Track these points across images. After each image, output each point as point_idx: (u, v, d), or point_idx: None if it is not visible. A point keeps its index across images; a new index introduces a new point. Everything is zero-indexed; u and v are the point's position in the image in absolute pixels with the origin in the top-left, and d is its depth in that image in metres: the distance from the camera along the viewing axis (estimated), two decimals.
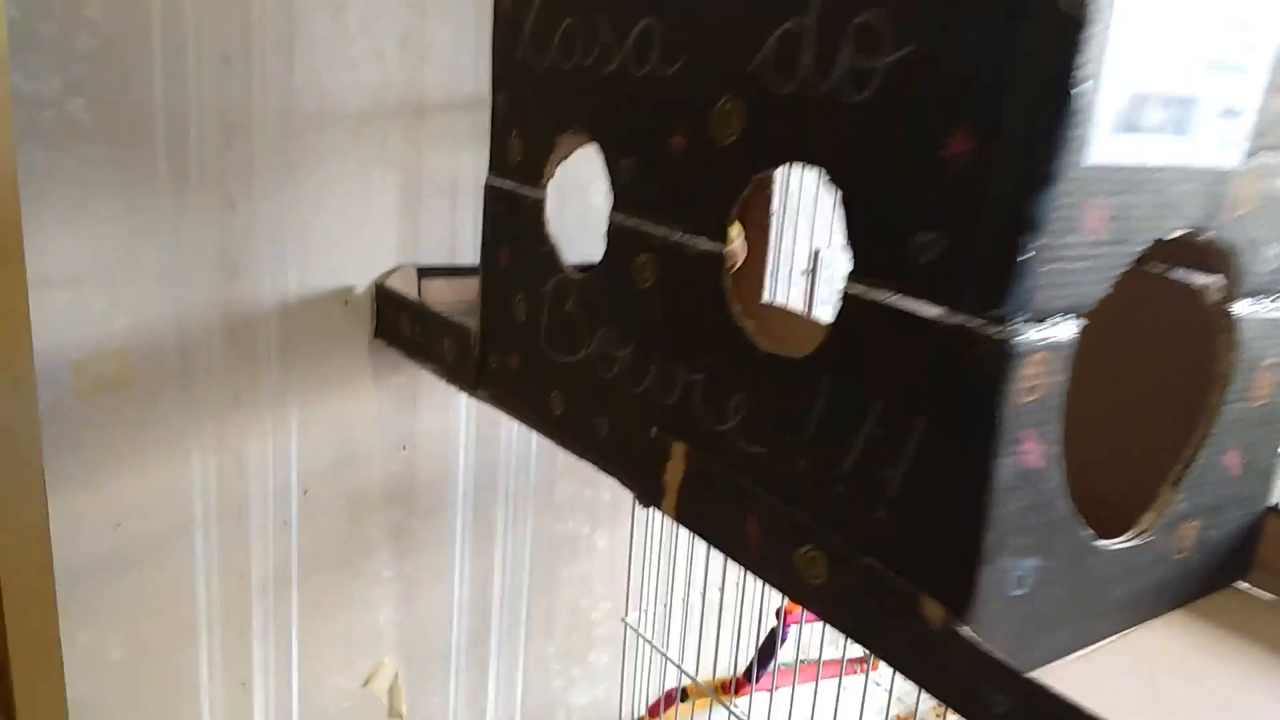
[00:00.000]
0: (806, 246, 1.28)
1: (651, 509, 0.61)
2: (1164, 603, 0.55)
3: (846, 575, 0.49)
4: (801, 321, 0.77)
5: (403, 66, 0.97)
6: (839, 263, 1.28)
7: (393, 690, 1.15)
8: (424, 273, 1.05)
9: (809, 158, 0.49)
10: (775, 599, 1.04)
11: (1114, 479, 0.58)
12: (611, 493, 1.28)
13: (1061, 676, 0.48)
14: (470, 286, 1.07)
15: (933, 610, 0.45)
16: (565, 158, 0.71)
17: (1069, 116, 0.38)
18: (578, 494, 1.26)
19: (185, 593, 0.97)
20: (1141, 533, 0.51)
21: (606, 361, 0.66)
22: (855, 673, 1.13)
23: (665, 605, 1.21)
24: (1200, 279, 0.61)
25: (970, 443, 0.42)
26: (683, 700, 1.14)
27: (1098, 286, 0.43)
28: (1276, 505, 0.59)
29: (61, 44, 0.80)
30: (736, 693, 1.07)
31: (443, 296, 1.05)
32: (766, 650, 1.03)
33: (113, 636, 0.94)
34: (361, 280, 1.01)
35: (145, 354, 0.90)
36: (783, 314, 0.80)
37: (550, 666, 1.31)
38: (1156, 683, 0.49)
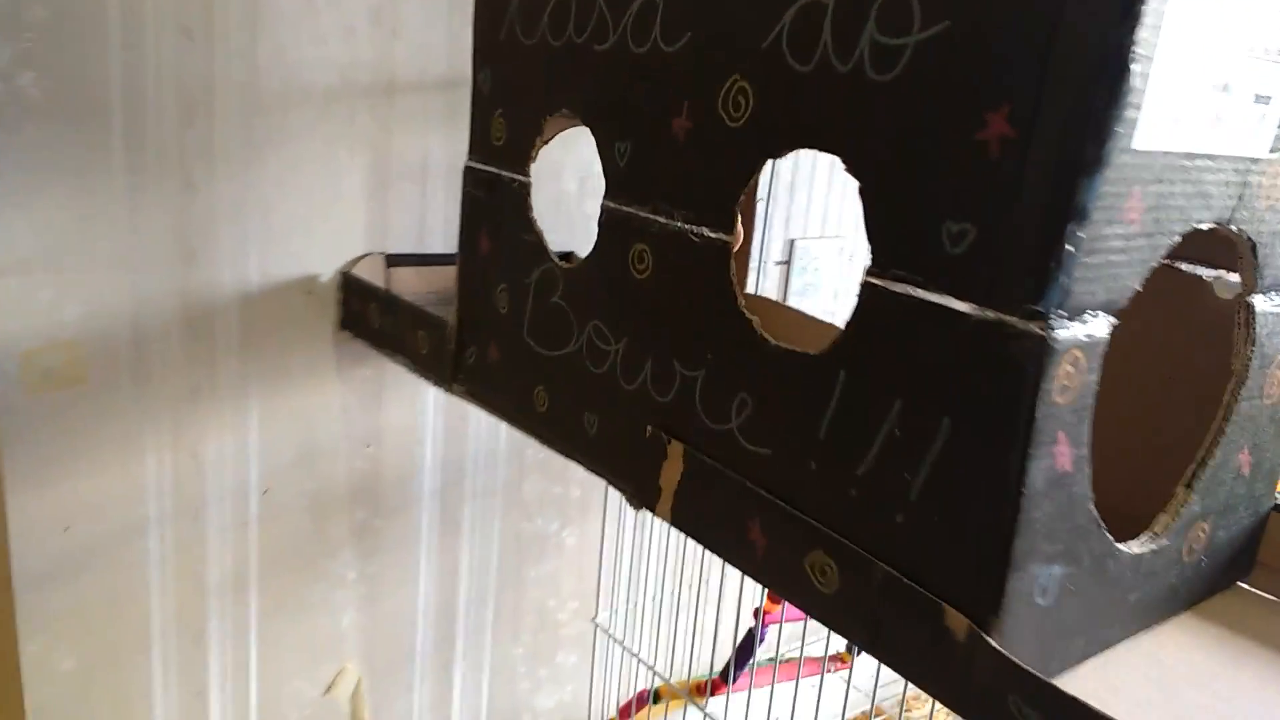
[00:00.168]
0: (781, 236, 1.26)
1: (624, 507, 0.58)
2: (1174, 606, 0.53)
3: (860, 583, 0.47)
4: (788, 312, 0.75)
5: (373, 43, 0.93)
6: (816, 253, 1.26)
7: (355, 697, 1.11)
8: (392, 261, 1.00)
9: (826, 142, 0.46)
10: (753, 598, 1.02)
11: (1113, 478, 0.57)
12: (581, 490, 1.25)
13: (1079, 685, 0.46)
14: (440, 276, 1.03)
15: (956, 621, 0.42)
16: (548, 141, 0.68)
17: (1122, 97, 0.36)
18: (546, 491, 1.23)
19: (139, 598, 0.92)
20: (1156, 536, 0.50)
21: (597, 356, 0.63)
22: (831, 671, 1.12)
23: (637, 605, 1.19)
24: (1208, 272, 0.60)
25: (1002, 444, 0.40)
26: (655, 702, 1.12)
27: (1132, 281, 0.41)
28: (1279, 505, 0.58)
29: (10, 13, 0.75)
30: (713, 694, 1.04)
31: (411, 286, 1.02)
32: (744, 650, 1.00)
33: (63, 646, 0.89)
34: (326, 268, 0.96)
35: (97, 345, 0.85)
36: (768, 305, 0.77)
37: (516, 669, 1.28)
38: (1174, 690, 0.48)
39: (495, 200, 0.72)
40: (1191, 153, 0.41)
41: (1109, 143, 0.36)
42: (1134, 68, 0.36)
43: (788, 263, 1.24)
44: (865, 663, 1.14)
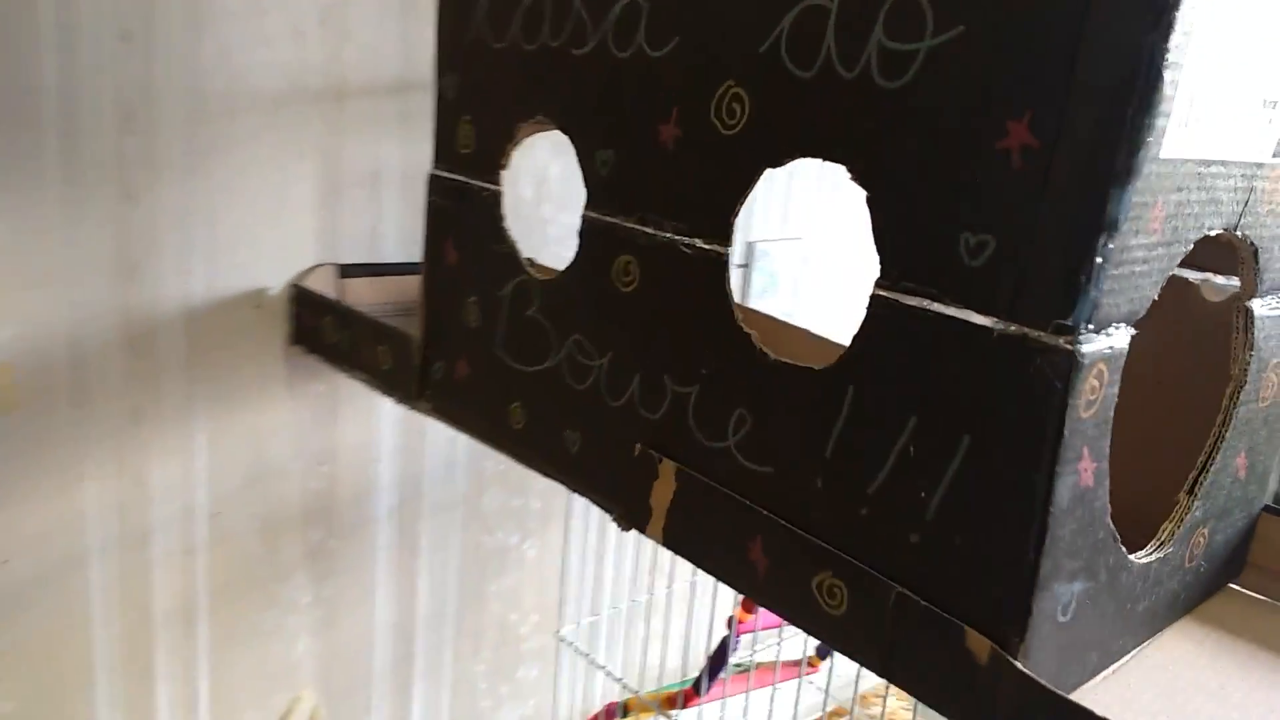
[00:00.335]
0: (740, 239, 1.24)
1: (588, 518, 0.56)
2: (1174, 612, 0.53)
3: (873, 605, 0.45)
4: (779, 325, 0.73)
5: (322, 45, 0.89)
6: (775, 255, 1.25)
7: None
8: (344, 271, 0.97)
9: (830, 151, 0.45)
10: (725, 606, 1.00)
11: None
12: (541, 501, 1.23)
13: (1095, 701, 0.46)
14: (395, 286, 1.00)
15: (978, 643, 0.41)
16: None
17: (1155, 105, 0.35)
18: (506, 503, 1.20)
19: (81, 633, 0.87)
20: (1162, 544, 0.49)
21: (579, 371, 0.60)
22: (796, 676, 1.11)
23: (605, 616, 1.16)
24: (1194, 275, 0.60)
25: (1027, 462, 0.39)
26: (624, 715, 1.09)
27: (1151, 291, 0.40)
28: (1270, 505, 0.59)
29: None
30: (685, 705, 1.03)
31: (365, 297, 0.98)
32: (717, 660, 0.99)
33: (1, 686, 0.83)
34: (276, 280, 0.92)
35: (32, 367, 0.79)
36: (759, 318, 0.76)
37: (477, 686, 1.24)
38: (1184, 700, 0.47)
39: (463, 210, 0.69)
40: (1207, 159, 0.40)
41: (1141, 152, 0.35)
42: (1167, 75, 0.35)
43: (747, 265, 1.23)
44: (837, 666, 1.14)
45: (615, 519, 0.60)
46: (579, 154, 0.59)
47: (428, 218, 0.72)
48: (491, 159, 0.66)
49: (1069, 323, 0.37)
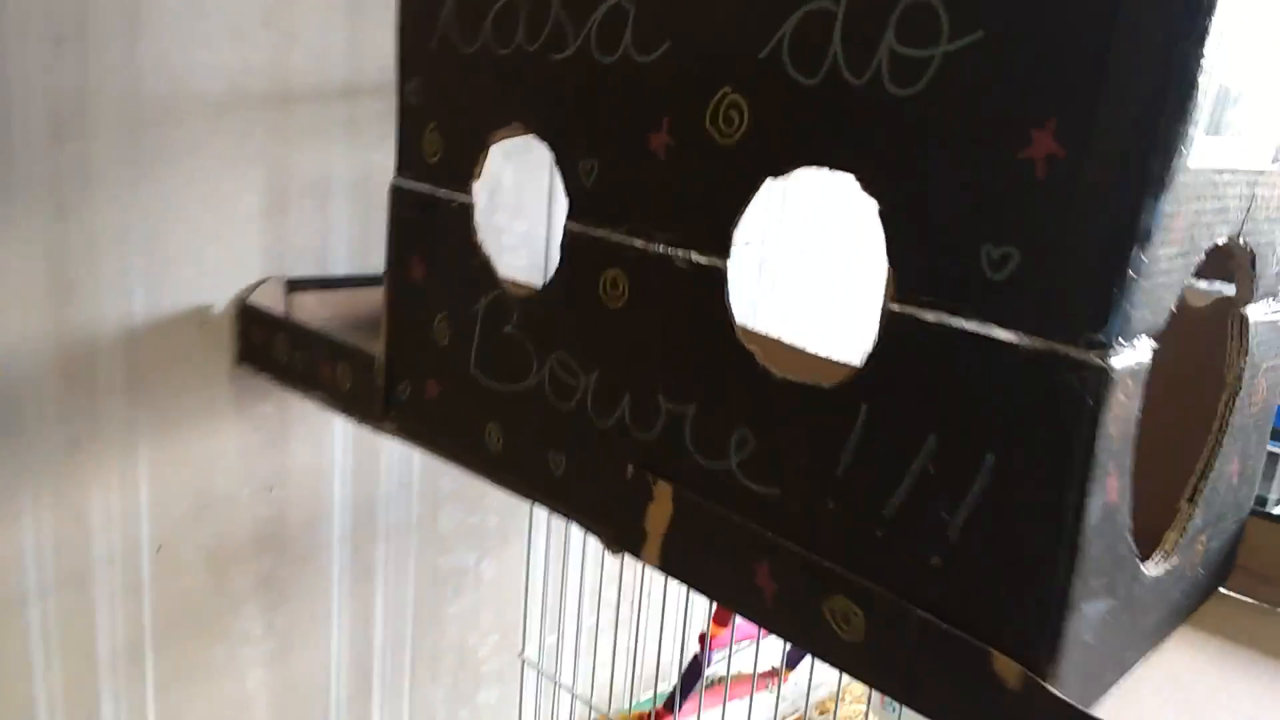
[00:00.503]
0: None
1: (550, 533, 0.54)
2: (1174, 621, 0.53)
3: (892, 630, 0.44)
4: (772, 342, 0.71)
5: (266, 47, 0.85)
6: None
7: None
8: (292, 285, 0.92)
9: (838, 160, 0.43)
10: (697, 618, 0.99)
11: None
12: (499, 517, 1.19)
13: (1110, 717, 0.45)
14: (346, 300, 0.96)
15: (1007, 667, 0.40)
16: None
17: (1189, 113, 0.34)
18: (463, 522, 1.16)
19: (21, 679, 0.81)
20: (1168, 555, 0.49)
21: (563, 390, 0.58)
22: (767, 688, 1.10)
23: (566, 636, 1.14)
24: None
25: (1057, 480, 0.38)
26: None
27: (1171, 302, 0.40)
28: (1255, 508, 0.59)
29: None
30: None
31: (315, 312, 0.93)
32: (689, 678, 0.97)
33: None
34: (220, 296, 0.88)
35: None
36: (752, 335, 0.74)
37: (436, 712, 1.21)
38: (1199, 712, 0.47)
39: (430, 222, 0.66)
40: (1220, 168, 0.40)
41: (1175, 161, 0.34)
42: (1200, 81, 0.34)
43: None
44: (797, 675, 1.13)
45: (605, 543, 0.57)
46: (560, 163, 0.56)
47: (391, 230, 0.69)
48: (462, 169, 0.63)
49: (1101, 337, 0.36)
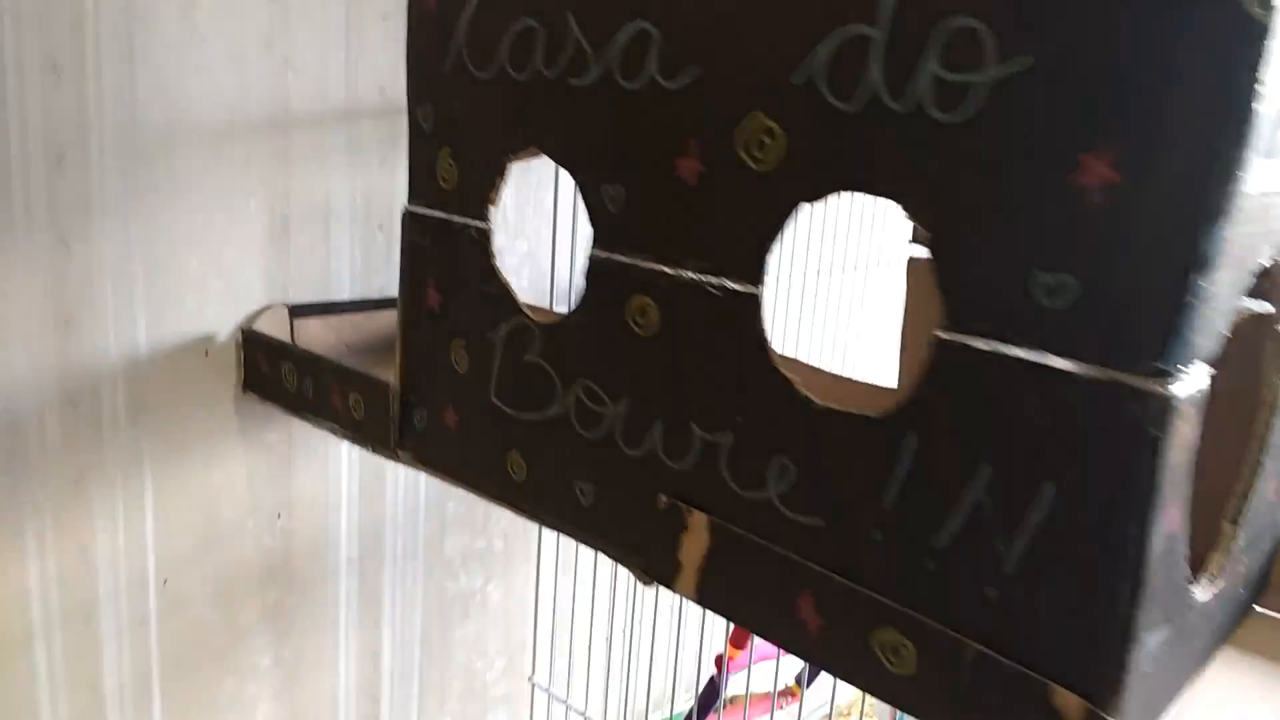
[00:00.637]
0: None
1: (560, 555, 0.53)
2: (1218, 642, 0.52)
3: (944, 663, 0.43)
4: (795, 364, 0.70)
5: (264, 72, 0.84)
6: None
7: None
8: (296, 312, 0.91)
9: (879, 186, 0.42)
10: (714, 643, 0.97)
11: None
12: (504, 541, 1.18)
13: None
14: (350, 325, 0.95)
15: (1067, 701, 0.39)
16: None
17: (1248, 139, 0.33)
18: (469, 546, 1.15)
19: (27, 717, 0.79)
20: (1214, 578, 0.48)
21: (590, 419, 0.57)
22: (782, 707, 1.09)
23: (580, 658, 1.12)
24: None
25: (1121, 511, 0.37)
26: None
27: (1224, 326, 0.39)
28: None
29: None
30: None
31: (320, 338, 0.92)
32: (706, 699, 0.96)
33: None
34: (224, 325, 0.86)
35: None
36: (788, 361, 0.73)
37: None
38: None
39: (445, 249, 0.65)
40: (1267, 191, 0.39)
41: (1235, 187, 0.34)
42: (1258, 107, 0.33)
43: None
44: (815, 693, 1.12)
45: (636, 574, 0.56)
46: (582, 189, 0.55)
47: (405, 257, 0.68)
48: (477, 194, 0.62)
49: (1165, 365, 0.35)
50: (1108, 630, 0.38)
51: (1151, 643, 0.40)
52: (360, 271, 0.96)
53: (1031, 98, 0.37)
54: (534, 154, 0.58)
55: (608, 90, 0.52)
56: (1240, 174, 0.34)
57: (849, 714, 1.51)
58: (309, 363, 0.80)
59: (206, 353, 0.85)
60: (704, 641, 0.91)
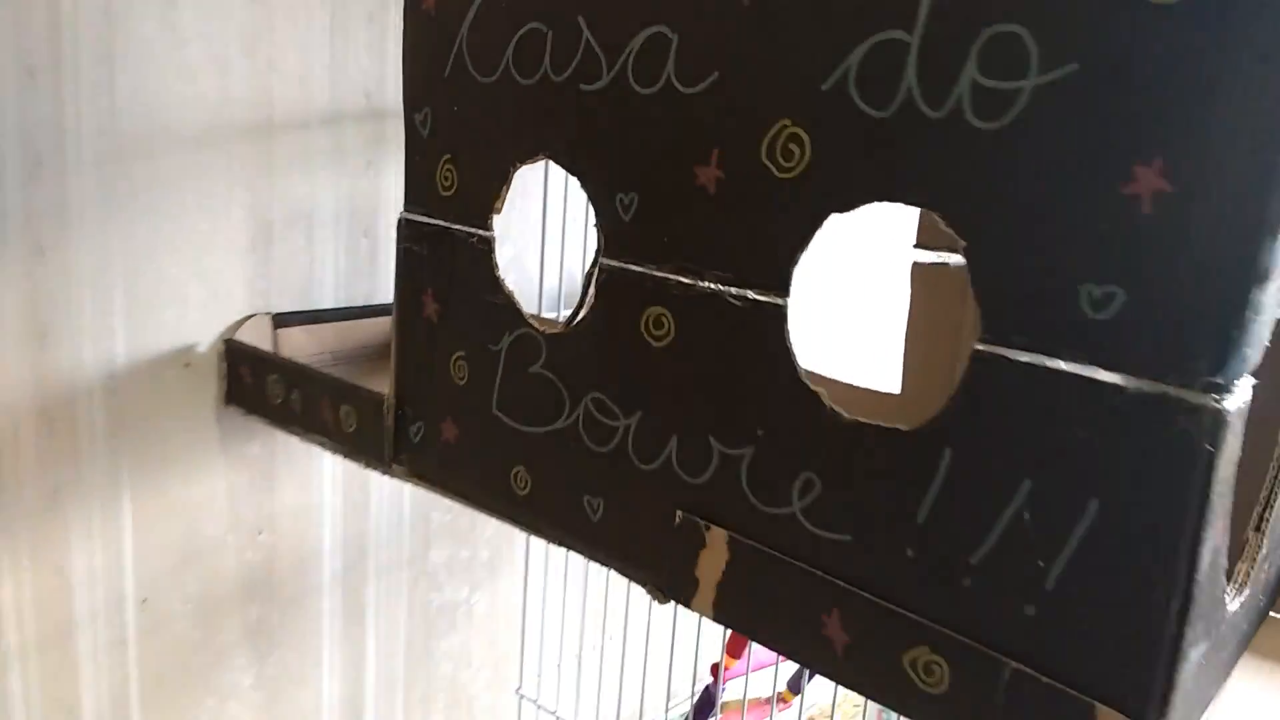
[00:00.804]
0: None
1: (548, 562, 0.52)
2: (1241, 650, 0.52)
3: (981, 682, 0.42)
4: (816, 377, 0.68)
5: (246, 76, 0.81)
6: None
7: None
8: (279, 320, 0.88)
9: (915, 195, 0.41)
10: (709, 652, 0.96)
11: None
12: (489, 550, 1.16)
13: None
14: (333, 334, 0.92)
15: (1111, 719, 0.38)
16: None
17: None
18: (454, 556, 1.12)
19: None
20: (1241, 587, 0.48)
21: (600, 432, 0.55)
22: (766, 715, 1.08)
23: (569, 668, 1.10)
24: None
25: (1170, 527, 0.36)
26: None
27: (1268, 337, 0.38)
28: None
29: None
30: None
31: (304, 348, 0.90)
32: (702, 709, 0.95)
33: None
34: (205, 336, 0.83)
35: None
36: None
37: None
38: None
39: (445, 257, 0.63)
40: None
41: None
42: None
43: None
44: (809, 697, 1.11)
45: (650, 591, 0.55)
46: (593, 197, 0.54)
47: (400, 266, 0.66)
48: (479, 203, 0.60)
49: (1219, 380, 0.35)
50: (1155, 647, 0.37)
51: (1194, 658, 0.39)
52: (344, 279, 0.93)
53: (1077, 106, 0.36)
54: (539, 160, 0.57)
55: (621, 95, 0.51)
56: None
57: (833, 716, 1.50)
58: (297, 374, 0.78)
59: (187, 364, 0.83)
60: (699, 650, 0.89)
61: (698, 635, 0.89)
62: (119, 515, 0.81)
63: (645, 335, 0.52)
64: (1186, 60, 0.34)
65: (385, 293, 0.97)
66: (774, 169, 0.45)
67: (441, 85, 0.61)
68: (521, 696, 1.08)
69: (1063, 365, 0.38)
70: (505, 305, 0.60)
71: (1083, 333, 0.37)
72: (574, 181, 0.97)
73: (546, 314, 1.01)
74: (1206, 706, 0.46)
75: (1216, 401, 0.35)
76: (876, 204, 0.43)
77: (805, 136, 0.44)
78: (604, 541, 0.57)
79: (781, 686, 1.12)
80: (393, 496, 1.04)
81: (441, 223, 0.63)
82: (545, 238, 0.95)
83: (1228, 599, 0.46)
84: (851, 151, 0.43)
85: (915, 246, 0.70)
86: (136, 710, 0.85)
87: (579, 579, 1.08)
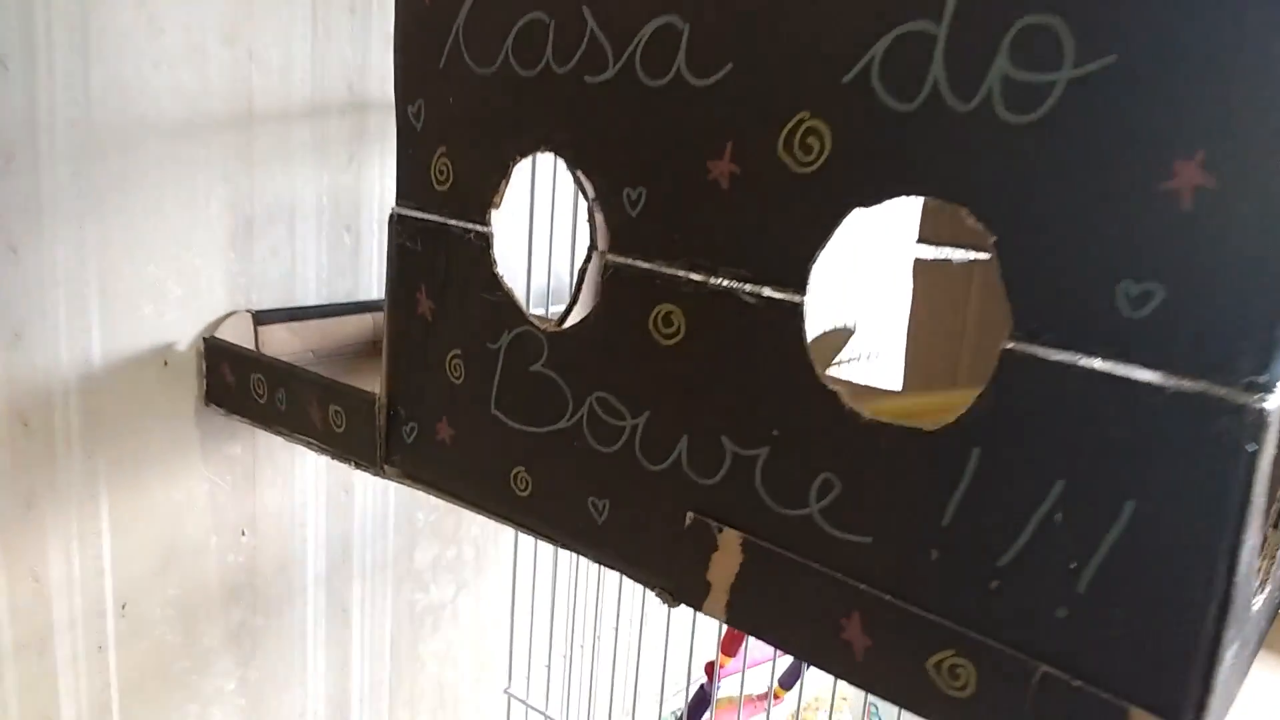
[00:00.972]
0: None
1: (536, 559, 0.50)
2: (1258, 648, 0.52)
3: (1009, 685, 0.41)
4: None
5: (226, 66, 0.79)
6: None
7: None
8: (260, 318, 0.86)
9: (942, 190, 0.40)
10: (703, 646, 0.95)
11: None
12: (475, 549, 1.14)
13: None
14: (316, 331, 0.90)
15: None
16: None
17: None
18: (439, 556, 1.11)
19: None
20: (1264, 584, 0.47)
21: (605, 432, 0.54)
22: (760, 711, 1.08)
23: (559, 667, 1.09)
24: None
25: (1211, 529, 0.36)
26: None
27: None
28: None
29: None
30: None
31: (286, 346, 0.87)
32: (696, 708, 0.94)
33: None
34: (184, 334, 0.81)
35: None
36: None
37: None
38: None
39: (439, 254, 0.61)
40: None
41: None
42: None
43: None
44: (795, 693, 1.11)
45: (659, 594, 0.54)
46: (598, 192, 0.52)
47: (392, 263, 0.64)
48: (477, 197, 0.58)
49: (1263, 379, 0.34)
50: (1192, 649, 0.37)
51: (1228, 660, 0.39)
52: (327, 275, 0.91)
53: (1114, 98, 0.36)
54: (541, 154, 0.55)
55: (629, 88, 0.50)
56: None
57: (817, 707, 1.51)
58: (282, 373, 0.75)
59: (166, 363, 0.80)
60: (693, 648, 0.88)
61: (692, 633, 0.88)
62: (97, 519, 0.78)
63: (654, 333, 0.51)
64: (1231, 48, 0.33)
65: (368, 289, 0.95)
66: (792, 163, 0.44)
67: (436, 76, 0.59)
68: (510, 696, 1.07)
69: (1098, 364, 0.37)
70: (505, 303, 0.58)
71: (1119, 331, 0.37)
72: (561, 178, 0.95)
73: (536, 311, 0.99)
74: (1229, 706, 0.46)
75: (1260, 401, 0.34)
76: (900, 199, 0.42)
77: (825, 129, 0.43)
78: (610, 544, 0.55)
79: (778, 686, 1.11)
80: (377, 496, 1.02)
81: (437, 218, 0.61)
82: (533, 235, 0.93)
83: (1257, 598, 0.45)
84: (874, 145, 0.42)
85: (918, 242, 0.69)
86: (117, 716, 0.82)
87: (567, 577, 1.06)
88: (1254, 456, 0.34)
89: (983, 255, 0.73)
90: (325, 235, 0.90)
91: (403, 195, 0.63)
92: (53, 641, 0.77)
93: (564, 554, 1.11)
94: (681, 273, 0.49)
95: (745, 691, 1.01)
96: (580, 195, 0.92)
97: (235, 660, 0.92)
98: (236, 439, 0.87)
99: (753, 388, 0.48)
